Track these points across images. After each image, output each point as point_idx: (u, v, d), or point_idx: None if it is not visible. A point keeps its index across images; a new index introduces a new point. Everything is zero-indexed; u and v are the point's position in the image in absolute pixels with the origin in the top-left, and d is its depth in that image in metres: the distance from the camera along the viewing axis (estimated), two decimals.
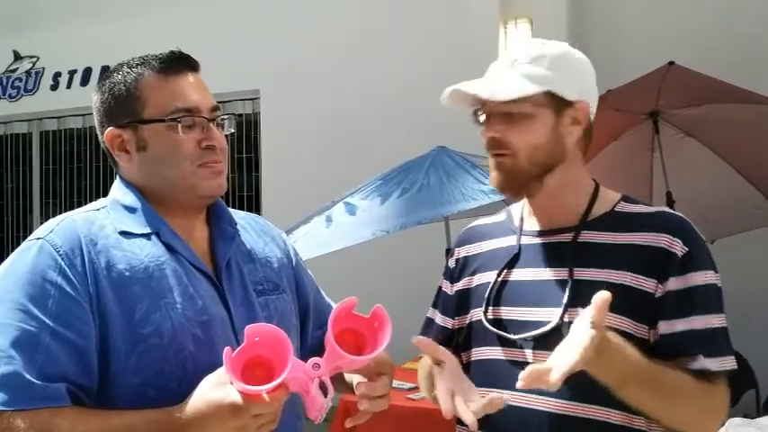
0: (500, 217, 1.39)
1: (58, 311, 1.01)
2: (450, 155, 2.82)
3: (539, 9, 4.72)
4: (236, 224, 1.26)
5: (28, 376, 0.96)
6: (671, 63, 3.45)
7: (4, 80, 6.57)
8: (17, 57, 6.52)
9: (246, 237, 1.28)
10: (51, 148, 6.56)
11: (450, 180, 2.57)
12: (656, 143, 3.64)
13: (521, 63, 1.20)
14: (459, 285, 1.36)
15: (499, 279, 1.26)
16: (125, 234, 1.11)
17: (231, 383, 0.95)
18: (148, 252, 1.11)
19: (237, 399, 0.94)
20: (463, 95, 1.22)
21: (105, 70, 1.21)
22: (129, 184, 1.18)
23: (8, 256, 1.09)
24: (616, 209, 1.24)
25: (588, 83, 1.25)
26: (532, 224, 1.29)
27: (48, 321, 1.00)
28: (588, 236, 1.21)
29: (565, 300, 1.15)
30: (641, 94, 3.50)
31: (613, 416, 1.12)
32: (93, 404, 1.02)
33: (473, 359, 1.28)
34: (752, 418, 2.25)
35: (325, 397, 1.01)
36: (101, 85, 1.19)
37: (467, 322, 1.31)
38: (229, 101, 5.55)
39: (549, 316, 1.16)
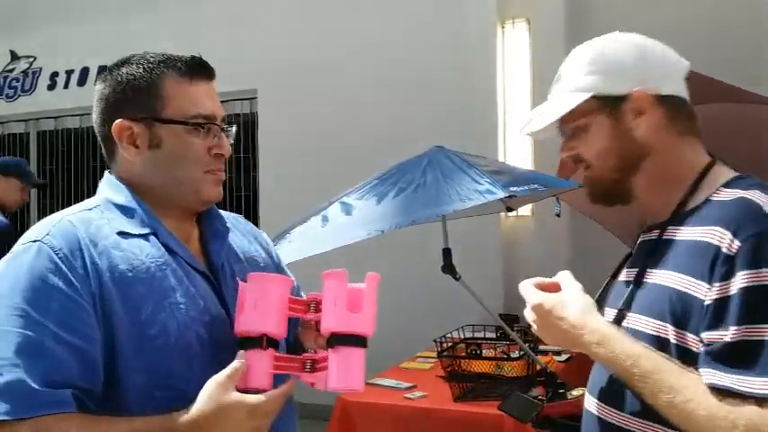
0: None
1: (61, 315, 0.99)
2: (447, 155, 2.80)
3: (536, 9, 4.72)
4: (226, 223, 1.26)
5: (32, 384, 0.94)
6: None
7: (1, 80, 6.55)
8: (14, 57, 6.51)
9: (233, 237, 1.28)
10: (48, 148, 6.55)
11: (446, 180, 2.55)
12: None
13: (561, 79, 1.21)
14: None
15: (612, 280, 1.27)
16: (123, 234, 1.10)
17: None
18: (148, 252, 1.10)
19: (254, 401, 0.98)
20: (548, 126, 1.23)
21: (102, 70, 1.21)
22: (120, 180, 1.17)
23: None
24: (712, 197, 1.09)
25: (639, 67, 1.15)
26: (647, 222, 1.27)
27: (50, 326, 0.97)
28: (671, 232, 1.12)
29: (621, 304, 1.15)
30: None
31: (650, 428, 1.07)
32: (99, 409, 1.01)
33: None
34: None
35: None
36: (112, 74, 1.17)
37: None
38: (227, 101, 5.54)
39: (607, 318, 1.14)
